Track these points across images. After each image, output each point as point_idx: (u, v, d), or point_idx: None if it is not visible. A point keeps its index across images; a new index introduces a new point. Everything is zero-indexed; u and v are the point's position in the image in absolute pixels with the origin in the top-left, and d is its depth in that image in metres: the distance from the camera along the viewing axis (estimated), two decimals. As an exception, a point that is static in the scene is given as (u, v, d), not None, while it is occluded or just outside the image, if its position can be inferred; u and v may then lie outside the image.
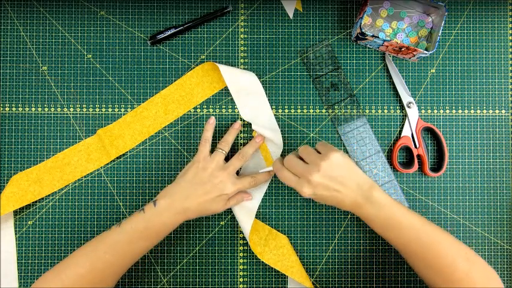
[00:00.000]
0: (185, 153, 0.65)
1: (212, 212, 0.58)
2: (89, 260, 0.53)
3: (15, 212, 0.64)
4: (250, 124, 0.65)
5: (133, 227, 0.54)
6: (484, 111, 0.66)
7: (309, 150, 0.55)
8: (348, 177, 0.53)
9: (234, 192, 0.59)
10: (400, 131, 0.65)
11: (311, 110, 0.65)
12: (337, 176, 0.53)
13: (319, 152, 0.55)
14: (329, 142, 0.65)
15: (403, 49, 0.62)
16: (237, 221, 0.64)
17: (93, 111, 0.65)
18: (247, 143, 0.64)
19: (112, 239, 0.54)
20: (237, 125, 0.63)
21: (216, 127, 0.65)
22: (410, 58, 0.65)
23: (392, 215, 0.53)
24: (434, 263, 0.51)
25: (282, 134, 0.64)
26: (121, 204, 0.64)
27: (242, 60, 0.65)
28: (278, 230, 0.64)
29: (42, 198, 0.64)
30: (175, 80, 0.65)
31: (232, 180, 0.58)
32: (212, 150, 0.62)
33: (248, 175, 0.61)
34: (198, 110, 0.65)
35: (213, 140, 0.63)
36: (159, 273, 0.64)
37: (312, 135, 0.65)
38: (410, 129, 0.65)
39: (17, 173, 0.64)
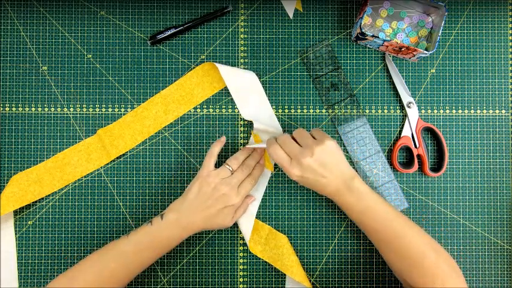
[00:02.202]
0: (185, 153, 0.65)
1: (220, 225, 0.58)
2: (96, 268, 0.54)
3: (15, 212, 0.64)
4: (251, 124, 0.65)
5: (140, 239, 0.55)
6: (484, 111, 0.66)
7: (305, 133, 0.57)
8: (335, 165, 0.55)
9: (240, 202, 0.58)
10: (400, 131, 0.65)
11: (311, 110, 0.65)
12: (327, 163, 0.55)
13: (313, 138, 0.56)
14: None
15: (403, 49, 0.62)
16: (237, 221, 0.64)
17: (93, 111, 0.65)
18: (247, 142, 0.64)
19: (119, 249, 0.55)
20: (249, 149, 0.62)
21: (216, 127, 0.65)
22: (410, 58, 0.65)
23: (370, 204, 0.55)
24: (406, 251, 0.54)
25: (282, 134, 0.64)
26: (121, 204, 0.64)
27: (242, 60, 0.65)
28: (278, 230, 0.64)
29: (42, 198, 0.64)
30: (175, 80, 0.65)
31: (235, 192, 0.57)
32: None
33: (246, 178, 0.60)
34: (198, 110, 0.65)
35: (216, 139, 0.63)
36: (159, 273, 0.64)
37: (312, 135, 0.65)
38: (410, 129, 0.65)
39: (17, 173, 0.64)
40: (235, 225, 0.64)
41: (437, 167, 0.65)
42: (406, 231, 0.54)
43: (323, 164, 0.54)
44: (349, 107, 0.65)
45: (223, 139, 0.62)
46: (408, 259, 0.54)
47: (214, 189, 0.56)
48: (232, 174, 0.58)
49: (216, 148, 0.60)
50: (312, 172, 0.54)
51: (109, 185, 0.64)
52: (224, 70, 0.63)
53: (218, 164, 0.61)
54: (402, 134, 0.64)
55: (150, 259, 0.56)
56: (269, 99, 0.65)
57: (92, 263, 0.55)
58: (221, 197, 0.56)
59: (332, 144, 0.55)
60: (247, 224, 0.62)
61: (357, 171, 0.65)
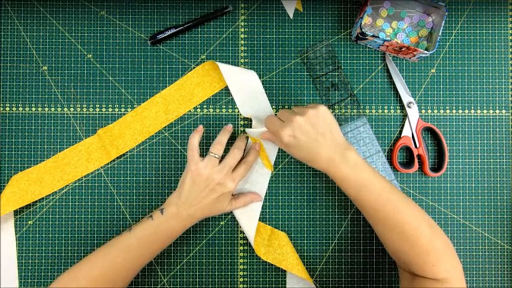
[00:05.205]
0: (185, 153, 0.65)
1: (219, 211, 0.59)
2: (102, 263, 0.55)
3: (15, 212, 0.64)
4: (251, 123, 0.65)
5: (143, 233, 0.56)
6: (484, 111, 0.66)
7: (302, 106, 0.58)
8: (328, 130, 0.55)
9: (235, 187, 0.58)
10: (400, 131, 0.65)
11: (311, 110, 0.65)
12: (319, 125, 0.54)
13: None
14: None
15: (403, 49, 0.62)
16: (237, 221, 0.64)
17: (93, 111, 0.65)
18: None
19: (123, 244, 0.56)
20: (229, 128, 0.62)
21: (215, 127, 0.65)
22: (410, 58, 0.65)
23: (367, 176, 0.54)
24: (402, 227, 0.53)
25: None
26: (121, 204, 0.64)
27: (242, 60, 0.65)
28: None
29: (42, 198, 0.64)
30: (175, 80, 0.65)
31: (230, 178, 0.58)
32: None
33: (240, 164, 0.60)
34: (198, 110, 0.65)
35: (205, 140, 0.63)
36: (159, 273, 0.64)
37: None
38: (411, 129, 0.65)
39: (17, 173, 0.64)
40: (236, 225, 0.64)
41: (437, 167, 0.65)
42: (402, 207, 0.53)
43: (315, 126, 0.54)
44: (349, 107, 0.65)
45: (201, 128, 0.60)
46: (404, 236, 0.53)
47: (207, 180, 0.57)
48: (221, 161, 0.58)
49: (194, 140, 0.58)
50: (304, 132, 0.54)
51: (109, 185, 0.64)
52: (225, 69, 0.63)
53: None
54: (402, 134, 0.64)
55: (155, 250, 0.57)
56: (269, 99, 0.65)
57: (97, 259, 0.55)
58: (216, 186, 0.57)
59: (325, 109, 0.55)
60: (252, 226, 0.62)
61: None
